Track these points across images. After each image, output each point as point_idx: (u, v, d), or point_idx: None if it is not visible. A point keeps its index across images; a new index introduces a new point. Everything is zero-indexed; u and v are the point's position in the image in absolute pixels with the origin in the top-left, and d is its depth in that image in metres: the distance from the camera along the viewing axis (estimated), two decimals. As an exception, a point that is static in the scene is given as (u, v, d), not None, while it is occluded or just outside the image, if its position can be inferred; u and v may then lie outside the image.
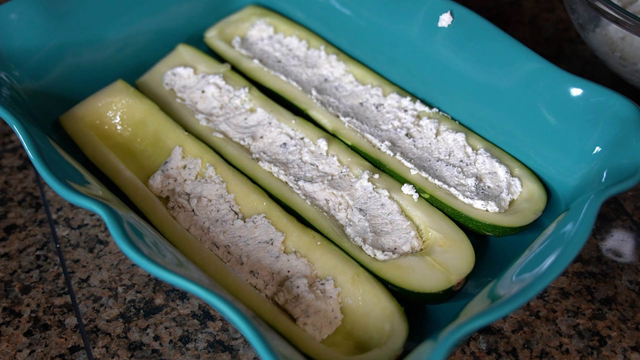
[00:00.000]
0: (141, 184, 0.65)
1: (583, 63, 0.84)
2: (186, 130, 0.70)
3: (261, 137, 0.70)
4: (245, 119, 0.72)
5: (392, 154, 0.67)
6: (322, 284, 0.58)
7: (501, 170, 0.66)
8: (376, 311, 0.56)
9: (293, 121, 0.70)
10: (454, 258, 0.58)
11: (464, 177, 0.66)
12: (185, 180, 0.66)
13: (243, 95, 0.73)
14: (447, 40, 0.70)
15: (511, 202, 0.64)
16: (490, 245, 0.65)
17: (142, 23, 0.77)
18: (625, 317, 0.61)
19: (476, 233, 0.63)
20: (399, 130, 0.70)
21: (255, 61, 0.77)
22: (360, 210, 0.63)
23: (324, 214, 0.63)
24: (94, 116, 0.71)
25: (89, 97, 0.71)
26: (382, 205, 0.64)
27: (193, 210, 0.64)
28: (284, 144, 0.69)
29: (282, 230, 0.62)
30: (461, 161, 0.67)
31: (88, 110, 0.71)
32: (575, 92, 0.62)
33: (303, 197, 0.64)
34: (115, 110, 0.71)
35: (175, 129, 0.69)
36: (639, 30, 0.64)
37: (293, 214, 0.63)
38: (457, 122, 0.71)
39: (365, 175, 0.65)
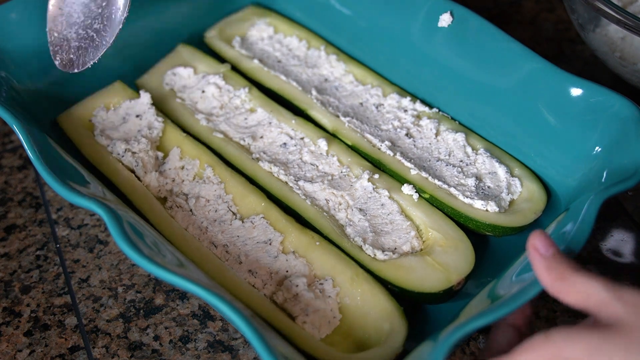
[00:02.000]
0: (139, 183, 0.65)
1: (583, 63, 0.84)
2: (186, 130, 0.70)
3: (261, 137, 0.70)
4: (246, 119, 0.72)
5: (392, 154, 0.67)
6: (321, 283, 0.58)
7: (501, 170, 0.66)
8: (375, 311, 0.56)
9: (293, 121, 0.70)
10: (454, 258, 0.59)
11: (464, 177, 0.66)
12: (183, 180, 0.66)
13: (243, 95, 0.73)
14: (447, 41, 0.70)
15: (511, 202, 0.64)
16: (490, 245, 0.65)
17: (142, 23, 0.77)
18: (625, 317, 0.61)
19: (476, 233, 0.63)
20: (399, 130, 0.70)
21: (255, 61, 0.77)
22: (361, 210, 0.64)
23: (324, 213, 0.63)
24: (90, 116, 0.71)
25: (87, 98, 0.71)
26: (382, 205, 0.64)
27: (191, 210, 0.64)
28: (284, 144, 0.69)
29: (281, 230, 0.62)
30: (461, 161, 0.67)
31: (86, 110, 0.71)
32: (575, 92, 0.62)
33: (303, 197, 0.64)
34: (107, 109, 0.71)
35: (173, 129, 0.69)
36: (639, 30, 0.64)
37: (293, 214, 0.63)
38: (457, 122, 0.71)
39: (366, 175, 0.65)
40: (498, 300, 0.48)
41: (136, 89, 0.76)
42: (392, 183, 0.65)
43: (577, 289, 0.41)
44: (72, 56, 0.66)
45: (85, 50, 0.66)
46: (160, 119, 0.69)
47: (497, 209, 0.62)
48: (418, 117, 0.71)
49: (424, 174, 0.65)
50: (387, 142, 0.68)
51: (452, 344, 0.43)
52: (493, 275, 0.60)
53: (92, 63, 0.66)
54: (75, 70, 0.66)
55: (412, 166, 0.66)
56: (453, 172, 0.66)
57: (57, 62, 0.66)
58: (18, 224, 0.69)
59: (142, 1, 0.76)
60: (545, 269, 0.42)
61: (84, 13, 0.66)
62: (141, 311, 0.62)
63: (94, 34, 0.65)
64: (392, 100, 0.72)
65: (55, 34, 0.65)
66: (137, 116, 0.70)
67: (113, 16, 0.65)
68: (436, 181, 0.65)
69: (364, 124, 0.70)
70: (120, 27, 0.65)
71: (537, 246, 0.43)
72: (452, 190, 0.64)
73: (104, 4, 0.65)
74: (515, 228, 0.61)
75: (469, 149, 0.68)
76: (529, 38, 0.88)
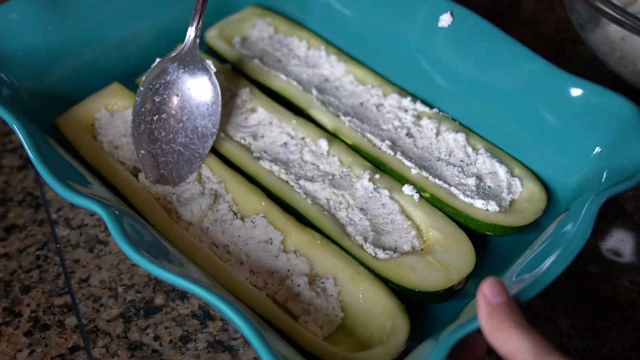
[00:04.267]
0: (139, 184, 0.65)
1: (583, 63, 0.84)
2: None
3: (262, 137, 0.70)
4: (246, 118, 0.72)
5: (392, 154, 0.67)
6: (322, 282, 0.58)
7: (501, 170, 0.66)
8: (377, 309, 0.56)
9: (294, 121, 0.70)
10: (454, 257, 0.59)
11: (465, 176, 0.66)
12: None
13: (244, 95, 0.73)
14: (447, 41, 0.70)
15: (512, 202, 0.64)
16: (491, 245, 0.65)
17: (142, 23, 0.77)
18: (625, 317, 0.61)
19: (477, 233, 0.63)
20: (399, 130, 0.70)
21: (256, 61, 0.77)
22: (361, 209, 0.64)
23: (325, 212, 0.63)
24: (89, 118, 0.71)
25: (84, 100, 0.71)
26: (382, 205, 0.64)
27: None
28: (285, 143, 0.69)
29: (281, 229, 0.62)
30: (461, 161, 0.67)
31: (84, 112, 0.71)
32: (575, 92, 0.62)
33: (304, 196, 0.64)
34: (111, 113, 0.71)
35: None
36: (639, 30, 0.64)
37: (293, 213, 0.63)
38: (457, 122, 0.71)
39: (366, 175, 0.65)
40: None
41: (136, 88, 0.76)
42: (392, 183, 0.65)
43: (509, 343, 0.41)
44: (162, 171, 0.65)
45: (176, 164, 0.65)
46: None
47: (497, 209, 0.62)
48: (418, 117, 0.71)
49: (424, 174, 0.65)
50: (387, 142, 0.68)
51: (452, 343, 0.43)
52: (493, 274, 0.60)
53: (189, 175, 0.65)
54: (172, 185, 0.65)
55: (412, 165, 0.66)
56: (454, 171, 0.66)
57: (150, 179, 0.65)
58: (18, 224, 0.69)
59: (142, 1, 0.76)
60: (486, 316, 0.43)
61: (164, 129, 0.66)
62: (141, 311, 0.62)
63: (181, 148, 0.65)
64: (393, 100, 0.72)
65: (142, 152, 0.65)
66: None
67: (200, 130, 0.66)
68: (437, 180, 0.65)
69: (364, 124, 0.71)
70: (214, 138, 0.66)
71: (485, 293, 0.44)
72: (453, 189, 0.64)
73: (184, 118, 0.66)
74: (516, 228, 0.61)
75: (469, 149, 0.68)
76: (529, 38, 0.87)
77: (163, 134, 0.66)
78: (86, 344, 0.60)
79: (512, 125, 0.67)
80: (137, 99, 0.66)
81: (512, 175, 0.66)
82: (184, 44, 0.67)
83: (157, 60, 0.67)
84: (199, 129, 0.66)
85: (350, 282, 0.58)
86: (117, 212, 0.52)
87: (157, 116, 0.66)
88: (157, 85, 0.66)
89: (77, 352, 0.59)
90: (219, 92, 0.66)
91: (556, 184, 0.65)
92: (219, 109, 0.66)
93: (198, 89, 0.66)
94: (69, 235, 0.67)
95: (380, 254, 0.60)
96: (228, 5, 0.84)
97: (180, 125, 0.66)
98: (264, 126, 0.71)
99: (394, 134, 0.70)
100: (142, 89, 0.66)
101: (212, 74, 0.66)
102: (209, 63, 0.67)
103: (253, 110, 0.73)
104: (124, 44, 0.77)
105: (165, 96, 0.66)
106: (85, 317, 0.61)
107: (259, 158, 0.68)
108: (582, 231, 0.50)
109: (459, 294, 0.59)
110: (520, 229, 0.62)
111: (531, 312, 0.61)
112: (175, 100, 0.66)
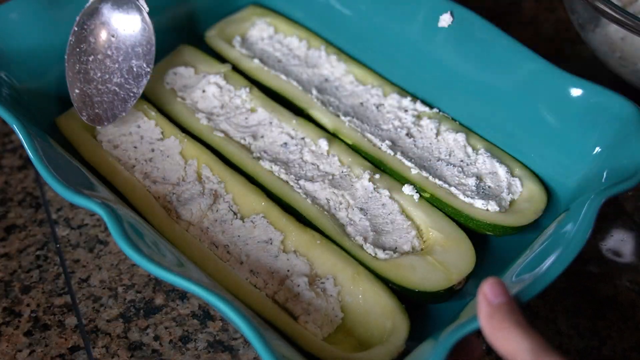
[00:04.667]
0: (139, 184, 0.65)
1: (583, 63, 0.84)
2: (186, 130, 0.70)
3: (262, 137, 0.70)
4: (246, 118, 0.72)
5: (392, 154, 0.67)
6: (322, 282, 0.58)
7: (502, 170, 0.66)
8: (377, 309, 0.56)
9: (294, 121, 0.70)
10: (454, 257, 0.59)
11: (465, 176, 0.66)
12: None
13: (244, 95, 0.73)
14: (447, 41, 0.70)
15: (512, 202, 0.64)
16: (491, 245, 0.65)
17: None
18: (625, 317, 0.61)
19: (477, 233, 0.63)
20: (399, 130, 0.70)
21: (256, 61, 0.77)
22: (361, 209, 0.64)
23: (325, 212, 0.63)
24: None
25: None
26: (382, 205, 0.64)
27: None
28: (285, 143, 0.69)
29: (281, 229, 0.62)
30: (462, 161, 0.67)
31: None
32: (575, 92, 0.62)
33: (304, 195, 0.64)
34: None
35: (172, 130, 0.69)
36: (639, 30, 0.64)
37: (293, 213, 0.63)
38: (457, 122, 0.71)
39: (366, 175, 0.65)
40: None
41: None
42: (392, 183, 0.65)
43: (509, 343, 0.41)
44: (97, 111, 0.67)
45: (111, 103, 0.67)
46: (159, 129, 0.69)
47: (497, 209, 0.62)
48: (418, 117, 0.71)
49: (424, 174, 0.65)
50: (387, 142, 0.68)
51: (452, 343, 0.43)
52: (493, 275, 0.60)
53: (122, 114, 0.67)
54: (105, 124, 0.67)
55: (412, 165, 0.66)
56: (454, 171, 0.66)
57: (84, 118, 0.67)
58: (18, 224, 0.69)
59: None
60: (486, 316, 0.43)
61: (100, 69, 0.67)
62: (141, 311, 0.62)
63: (116, 88, 0.67)
64: (393, 100, 0.72)
65: (77, 91, 0.67)
66: (138, 126, 0.70)
67: (135, 70, 0.67)
68: (437, 180, 0.65)
69: (364, 124, 0.71)
70: (148, 77, 0.67)
71: (486, 293, 0.44)
72: (453, 189, 0.64)
73: (120, 59, 0.67)
74: (516, 228, 0.61)
75: (469, 149, 0.68)
76: (529, 38, 0.87)
77: (99, 74, 0.67)
78: (86, 344, 0.60)
79: (512, 125, 0.67)
80: (71, 38, 0.67)
81: (512, 175, 0.66)
82: None
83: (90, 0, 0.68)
84: (134, 69, 0.67)
85: (350, 282, 0.58)
86: (117, 212, 0.52)
87: (92, 57, 0.67)
88: (93, 26, 0.67)
89: (77, 352, 0.59)
90: (153, 32, 0.67)
91: (556, 184, 0.65)
92: (153, 48, 0.67)
93: (133, 30, 0.68)
94: (69, 235, 0.67)
95: (380, 254, 0.60)
96: (228, 5, 0.84)
97: (116, 65, 0.67)
98: (263, 126, 0.71)
99: (394, 134, 0.70)
100: (76, 28, 0.67)
101: (145, 13, 0.68)
102: (142, 3, 0.68)
103: (253, 110, 0.73)
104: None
105: (100, 37, 0.67)
106: (85, 317, 0.61)
107: (259, 158, 0.68)
108: (582, 231, 0.50)
109: (459, 294, 0.59)
110: (520, 229, 0.62)
111: (531, 312, 0.61)
112: (111, 40, 0.67)
